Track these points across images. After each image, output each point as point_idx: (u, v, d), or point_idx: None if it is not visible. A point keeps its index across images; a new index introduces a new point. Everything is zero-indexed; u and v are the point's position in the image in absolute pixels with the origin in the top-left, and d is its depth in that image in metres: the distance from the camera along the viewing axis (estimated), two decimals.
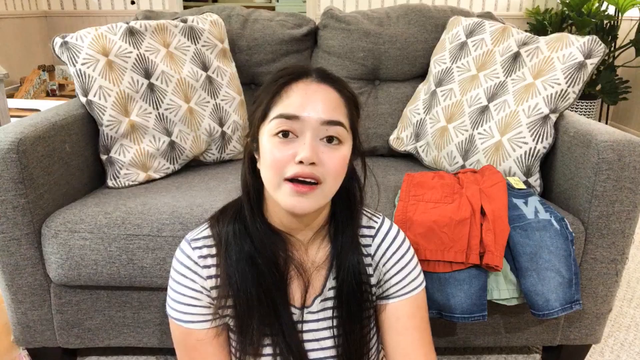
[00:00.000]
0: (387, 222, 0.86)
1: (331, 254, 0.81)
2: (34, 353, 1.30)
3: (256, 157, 0.77)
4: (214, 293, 0.78)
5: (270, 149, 0.71)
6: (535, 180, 1.36)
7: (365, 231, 0.84)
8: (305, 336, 0.81)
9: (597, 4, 3.24)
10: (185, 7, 4.30)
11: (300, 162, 0.68)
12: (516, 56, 1.45)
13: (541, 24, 3.40)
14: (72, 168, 1.28)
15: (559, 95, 1.34)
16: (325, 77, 0.74)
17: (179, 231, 1.14)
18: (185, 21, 1.53)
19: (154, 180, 1.42)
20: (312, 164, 0.69)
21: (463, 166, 1.46)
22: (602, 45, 1.34)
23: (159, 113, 1.40)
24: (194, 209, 1.18)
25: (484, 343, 1.29)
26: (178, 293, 0.79)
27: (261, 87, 0.78)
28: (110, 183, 1.36)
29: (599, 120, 3.57)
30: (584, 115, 3.37)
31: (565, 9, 3.33)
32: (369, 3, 3.72)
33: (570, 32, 3.44)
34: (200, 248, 0.79)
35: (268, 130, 0.72)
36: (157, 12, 1.70)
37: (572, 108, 3.28)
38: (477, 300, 1.09)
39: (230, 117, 1.55)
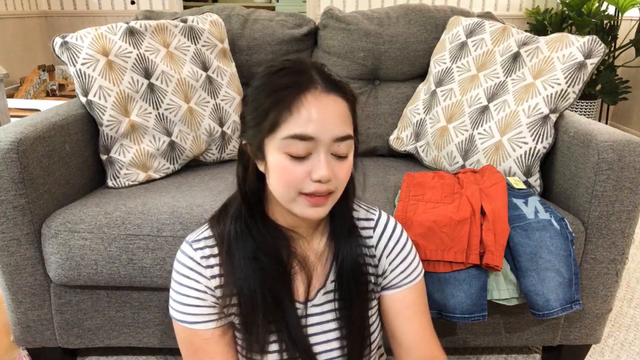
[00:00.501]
0: (384, 214, 0.89)
1: (330, 244, 0.83)
2: (34, 353, 1.30)
3: (257, 163, 0.77)
4: (218, 292, 0.78)
5: (284, 166, 0.71)
6: (535, 180, 1.36)
7: (365, 223, 0.86)
8: (310, 330, 0.82)
9: (597, 4, 3.24)
10: (185, 7, 4.30)
11: (318, 180, 0.70)
12: (516, 56, 1.45)
13: (541, 24, 3.40)
14: (72, 168, 1.28)
15: (559, 95, 1.34)
16: (331, 85, 0.73)
17: (179, 231, 1.14)
18: (185, 21, 1.53)
19: (154, 180, 1.42)
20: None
21: (463, 166, 1.46)
22: (602, 45, 1.34)
23: (159, 113, 1.40)
24: (194, 209, 1.18)
25: (484, 343, 1.29)
26: (182, 294, 0.79)
27: (257, 85, 0.74)
28: (110, 183, 1.36)
29: (599, 120, 3.57)
30: (584, 115, 3.37)
31: (565, 9, 3.33)
32: (369, 3, 3.72)
33: (570, 32, 3.44)
34: (202, 249, 0.79)
35: (279, 147, 0.70)
36: (157, 12, 1.70)
37: (572, 108, 3.28)
38: (477, 300, 1.09)
39: (230, 117, 1.55)
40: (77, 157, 1.31)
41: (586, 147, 1.19)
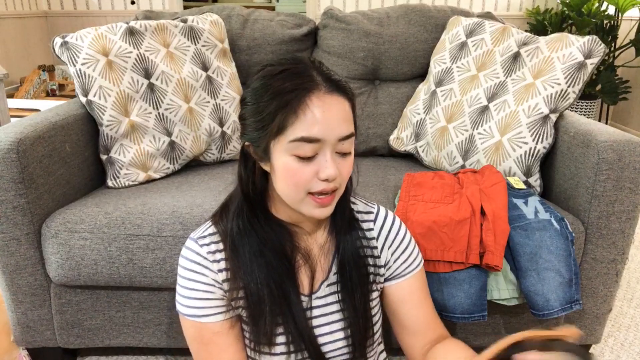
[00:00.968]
0: (382, 208, 0.92)
1: (331, 236, 0.86)
2: (34, 353, 1.30)
3: (261, 164, 0.78)
4: (225, 286, 0.80)
5: (292, 168, 0.72)
6: (535, 180, 1.36)
7: (365, 216, 0.89)
8: (315, 321, 0.84)
9: (597, 4, 3.24)
10: (185, 7, 4.30)
11: (325, 179, 0.73)
12: (516, 56, 1.45)
13: (541, 24, 3.40)
14: (72, 168, 1.28)
15: (559, 95, 1.34)
16: (333, 85, 0.74)
17: (179, 231, 1.14)
18: (185, 21, 1.53)
19: (154, 180, 1.42)
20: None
21: (463, 166, 1.46)
22: (602, 45, 1.34)
23: (159, 113, 1.40)
24: (194, 209, 1.18)
25: (484, 343, 1.29)
26: (190, 289, 0.80)
27: (257, 87, 0.74)
28: (110, 183, 1.36)
29: (599, 120, 3.57)
30: (584, 115, 3.37)
31: (565, 9, 3.33)
32: (369, 3, 3.72)
33: (570, 32, 3.44)
34: (207, 245, 0.80)
35: (286, 149, 0.72)
36: (157, 12, 1.70)
37: (572, 108, 3.28)
38: (477, 300, 1.09)
39: (230, 117, 1.55)
40: (77, 157, 1.31)
41: (586, 147, 1.19)
